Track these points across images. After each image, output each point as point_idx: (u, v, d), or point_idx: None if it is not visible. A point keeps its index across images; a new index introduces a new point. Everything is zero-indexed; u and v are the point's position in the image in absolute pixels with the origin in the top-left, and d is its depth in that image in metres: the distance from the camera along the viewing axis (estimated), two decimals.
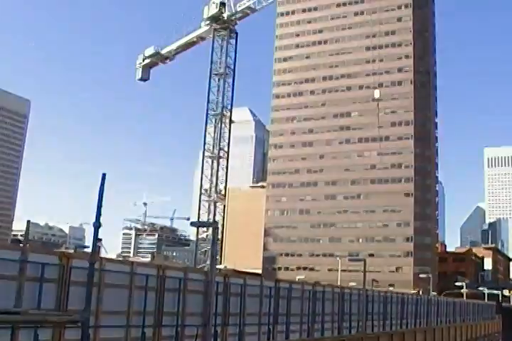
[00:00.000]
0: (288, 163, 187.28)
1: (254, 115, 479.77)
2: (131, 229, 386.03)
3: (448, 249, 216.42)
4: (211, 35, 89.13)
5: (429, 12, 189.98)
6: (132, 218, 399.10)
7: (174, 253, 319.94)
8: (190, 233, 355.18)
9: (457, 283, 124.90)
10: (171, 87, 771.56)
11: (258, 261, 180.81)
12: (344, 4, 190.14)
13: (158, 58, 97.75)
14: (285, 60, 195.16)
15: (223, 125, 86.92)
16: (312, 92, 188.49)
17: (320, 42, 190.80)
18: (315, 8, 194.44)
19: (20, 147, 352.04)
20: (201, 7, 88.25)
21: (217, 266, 50.85)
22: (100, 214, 18.67)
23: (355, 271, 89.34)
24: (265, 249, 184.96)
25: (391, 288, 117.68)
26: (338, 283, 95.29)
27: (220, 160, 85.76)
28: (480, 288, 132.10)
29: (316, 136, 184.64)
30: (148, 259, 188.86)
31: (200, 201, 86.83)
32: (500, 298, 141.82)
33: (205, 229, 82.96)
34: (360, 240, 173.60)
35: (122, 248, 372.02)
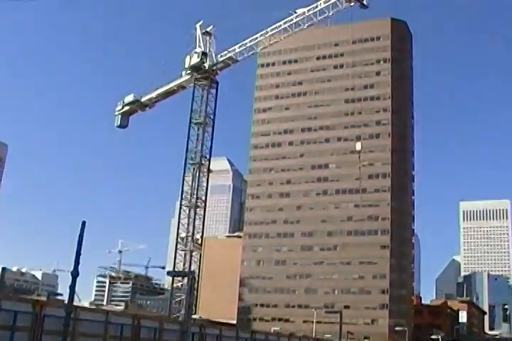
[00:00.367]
0: (265, 214, 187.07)
1: (232, 165, 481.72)
2: (105, 276, 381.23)
3: (423, 302, 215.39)
4: (192, 85, 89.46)
5: (407, 67, 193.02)
6: (107, 266, 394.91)
7: (148, 302, 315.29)
8: (165, 282, 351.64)
9: (433, 336, 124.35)
10: (150, 134, 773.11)
11: (233, 311, 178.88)
12: (324, 57, 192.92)
13: (137, 106, 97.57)
14: (264, 110, 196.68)
15: (201, 174, 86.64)
16: (291, 143, 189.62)
17: (299, 94, 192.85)
18: (295, 61, 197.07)
19: None
20: (182, 56, 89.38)
21: (192, 316, 50.53)
22: (79, 263, 18.49)
23: (331, 323, 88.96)
24: (240, 299, 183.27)
25: None
26: (314, 335, 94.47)
27: (197, 209, 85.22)
28: None
29: (293, 187, 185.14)
30: (121, 308, 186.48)
31: (176, 250, 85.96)
32: None
33: (180, 278, 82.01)
34: (336, 292, 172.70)
35: (95, 295, 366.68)
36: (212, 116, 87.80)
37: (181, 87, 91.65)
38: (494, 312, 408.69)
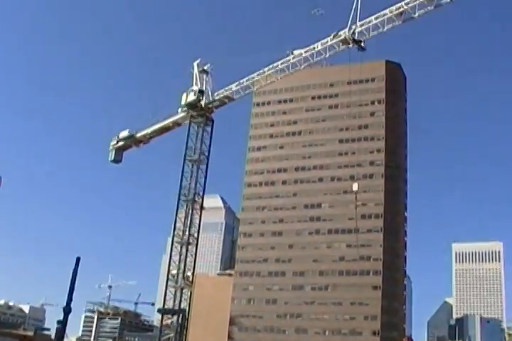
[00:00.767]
0: (257, 252, 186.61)
1: (225, 202, 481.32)
2: (93, 311, 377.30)
3: None
4: (187, 122, 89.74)
5: (401, 108, 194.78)
6: (95, 301, 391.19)
7: (136, 339, 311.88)
8: (154, 319, 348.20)
9: None
10: (143, 169, 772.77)
11: None
12: (319, 97, 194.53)
13: (132, 141, 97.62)
14: (259, 149, 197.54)
15: (194, 211, 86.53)
16: (284, 182, 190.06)
17: (294, 133, 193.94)
18: (290, 100, 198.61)
19: None
20: (178, 93, 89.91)
21: None
22: (71, 299, 18.45)
23: None
24: (230, 337, 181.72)
25: None
26: None
27: (189, 246, 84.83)
28: None
29: (286, 226, 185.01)
30: None
31: (166, 286, 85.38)
32: None
33: (170, 315, 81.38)
34: (327, 332, 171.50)
35: (83, 331, 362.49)
36: (206, 154, 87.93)
37: (177, 123, 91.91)
38: None
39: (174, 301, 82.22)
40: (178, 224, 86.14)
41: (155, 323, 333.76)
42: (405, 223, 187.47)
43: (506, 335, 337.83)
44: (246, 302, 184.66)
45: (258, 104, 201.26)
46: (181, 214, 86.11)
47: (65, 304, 18.91)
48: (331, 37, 74.71)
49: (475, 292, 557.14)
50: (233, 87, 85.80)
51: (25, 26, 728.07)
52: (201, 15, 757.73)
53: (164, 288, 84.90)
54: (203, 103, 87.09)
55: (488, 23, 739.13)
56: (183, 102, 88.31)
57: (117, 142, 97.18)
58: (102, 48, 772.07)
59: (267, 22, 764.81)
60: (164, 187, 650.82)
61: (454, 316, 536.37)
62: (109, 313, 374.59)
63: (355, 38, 72.46)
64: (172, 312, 74.08)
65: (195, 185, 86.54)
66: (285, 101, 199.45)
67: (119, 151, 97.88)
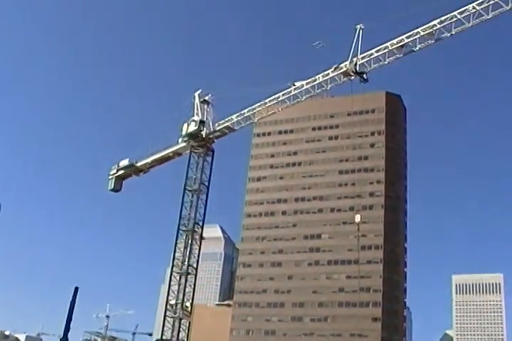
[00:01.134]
0: (256, 283, 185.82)
1: (224, 232, 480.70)
2: None
3: None
4: (188, 152, 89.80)
5: (401, 139, 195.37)
6: (93, 330, 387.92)
7: None
8: None
9: None
10: (142, 199, 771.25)
11: None
12: (319, 128, 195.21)
13: (132, 170, 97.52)
14: (259, 179, 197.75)
15: (194, 241, 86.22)
16: (284, 213, 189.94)
17: (294, 164, 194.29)
18: (291, 131, 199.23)
19: None
20: (179, 123, 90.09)
21: None
22: (69, 330, 18.41)
23: None
24: None
25: None
26: None
27: (189, 276, 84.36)
28: None
29: (285, 257, 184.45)
30: None
31: (164, 317, 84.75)
32: None
33: None
34: None
35: None
36: (206, 184, 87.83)
37: (177, 153, 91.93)
38: None
39: (172, 332, 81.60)
40: (177, 254, 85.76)
41: None
42: (405, 254, 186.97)
43: None
44: (245, 333, 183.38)
45: (259, 135, 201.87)
46: (181, 244, 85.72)
47: (61, 334, 18.71)
48: (332, 69, 75.08)
49: (475, 324, 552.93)
50: (234, 117, 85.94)
51: (24, 63, 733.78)
52: (203, 45, 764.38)
53: (162, 319, 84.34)
54: (203, 133, 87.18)
55: (489, 55, 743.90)
56: (183, 132, 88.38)
57: (117, 171, 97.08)
58: (102, 76, 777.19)
59: (268, 54, 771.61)
60: (163, 216, 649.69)
61: None
62: None
63: (357, 69, 72.84)
64: None
65: (195, 214, 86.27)
66: (285, 131, 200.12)
67: (119, 180, 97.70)
